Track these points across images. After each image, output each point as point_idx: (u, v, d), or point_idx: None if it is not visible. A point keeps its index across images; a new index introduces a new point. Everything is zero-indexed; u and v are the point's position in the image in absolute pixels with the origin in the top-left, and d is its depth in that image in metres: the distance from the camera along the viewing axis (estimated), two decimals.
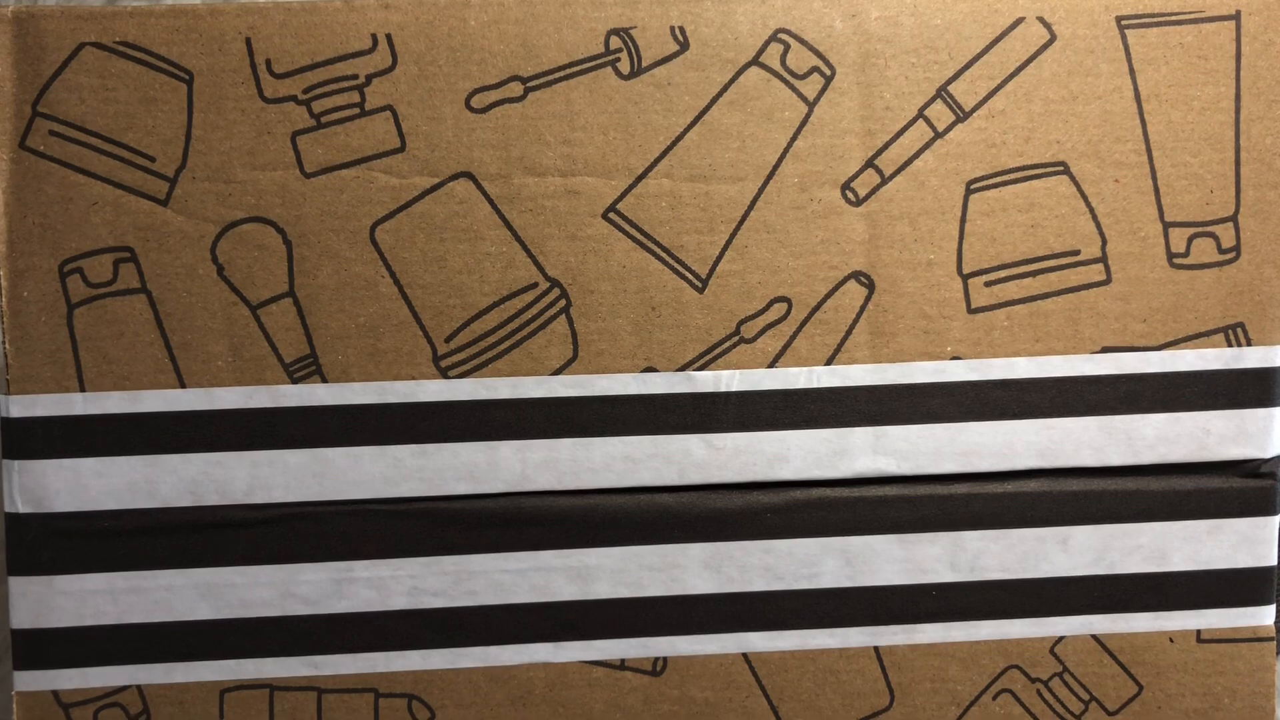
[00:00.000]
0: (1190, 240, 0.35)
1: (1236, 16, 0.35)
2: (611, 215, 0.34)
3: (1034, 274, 0.35)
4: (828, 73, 0.34)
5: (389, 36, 0.34)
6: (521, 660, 0.35)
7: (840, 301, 0.35)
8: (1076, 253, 0.35)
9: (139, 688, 0.35)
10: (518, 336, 0.34)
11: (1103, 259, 0.35)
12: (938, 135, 0.35)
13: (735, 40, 0.34)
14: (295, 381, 0.34)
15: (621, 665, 0.35)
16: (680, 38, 0.34)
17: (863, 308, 0.35)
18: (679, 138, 0.34)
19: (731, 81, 0.34)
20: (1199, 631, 0.36)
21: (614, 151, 0.34)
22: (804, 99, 0.34)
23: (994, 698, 0.36)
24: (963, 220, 0.35)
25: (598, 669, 0.35)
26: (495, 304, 0.34)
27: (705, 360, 0.35)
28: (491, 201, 0.34)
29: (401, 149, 0.34)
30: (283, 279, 0.34)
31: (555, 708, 0.35)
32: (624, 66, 0.34)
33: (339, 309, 0.34)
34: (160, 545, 0.34)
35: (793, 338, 0.35)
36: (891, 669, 0.36)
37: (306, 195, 0.34)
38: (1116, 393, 0.35)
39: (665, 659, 0.35)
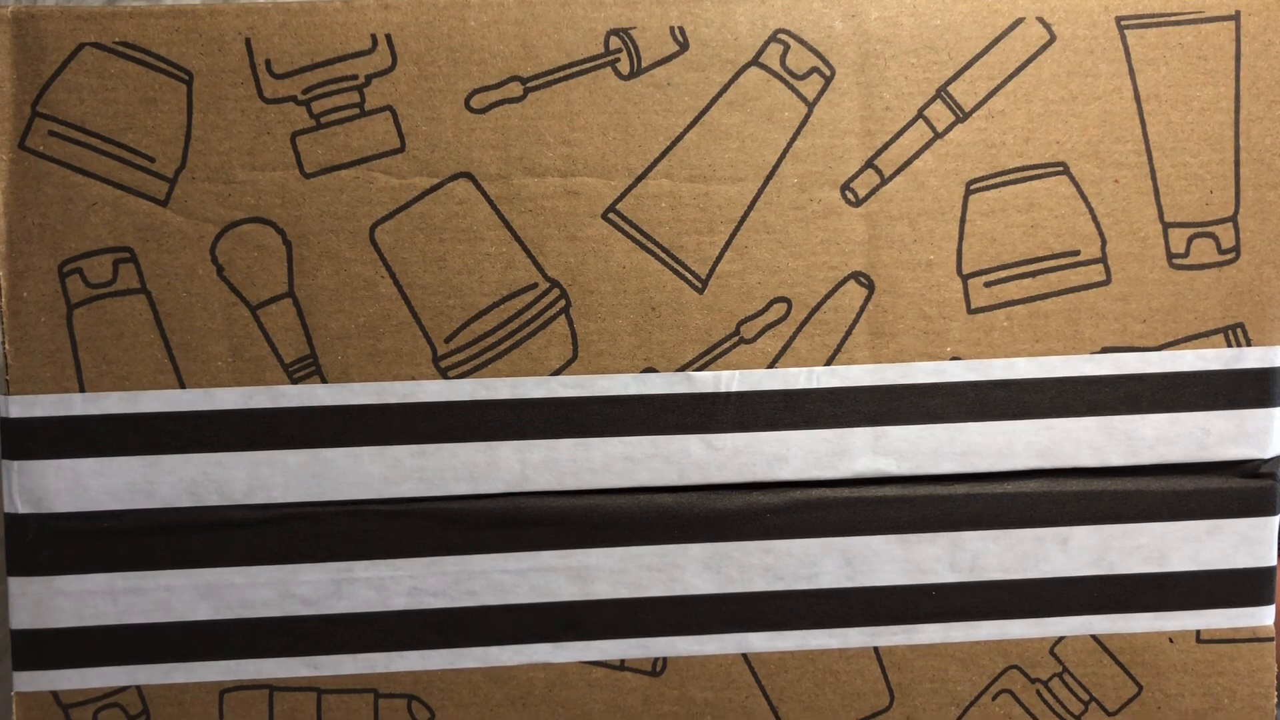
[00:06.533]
0: (1190, 240, 0.35)
1: (1236, 17, 0.35)
2: (611, 215, 0.34)
3: (1034, 274, 0.35)
4: (827, 73, 0.34)
5: (389, 37, 0.34)
6: (521, 660, 0.35)
7: (840, 302, 0.35)
8: (1076, 253, 0.35)
9: (139, 688, 0.35)
10: (517, 337, 0.34)
11: (1102, 259, 0.35)
12: (937, 135, 0.35)
13: (735, 40, 0.34)
14: (295, 382, 0.34)
15: (621, 665, 0.35)
16: (680, 38, 0.34)
17: (862, 308, 0.35)
18: (679, 138, 0.34)
19: (731, 82, 0.34)
20: (1199, 632, 0.36)
21: (614, 152, 0.34)
22: (804, 99, 0.34)
23: (994, 698, 0.36)
24: (962, 220, 0.35)
25: (597, 669, 0.35)
26: (495, 304, 0.34)
27: (705, 360, 0.35)
28: (491, 202, 0.34)
29: (401, 149, 0.34)
30: (282, 279, 0.34)
31: (555, 708, 0.35)
32: (624, 67, 0.34)
33: (339, 309, 0.34)
34: (160, 545, 0.34)
35: (792, 338, 0.35)
36: (891, 669, 0.36)
37: (306, 195, 0.34)
38: (1116, 393, 0.35)
39: (665, 659, 0.35)
